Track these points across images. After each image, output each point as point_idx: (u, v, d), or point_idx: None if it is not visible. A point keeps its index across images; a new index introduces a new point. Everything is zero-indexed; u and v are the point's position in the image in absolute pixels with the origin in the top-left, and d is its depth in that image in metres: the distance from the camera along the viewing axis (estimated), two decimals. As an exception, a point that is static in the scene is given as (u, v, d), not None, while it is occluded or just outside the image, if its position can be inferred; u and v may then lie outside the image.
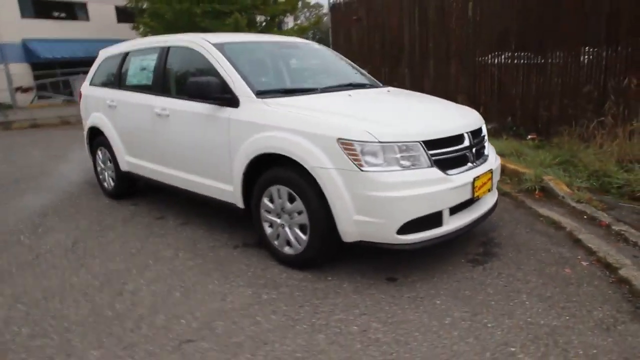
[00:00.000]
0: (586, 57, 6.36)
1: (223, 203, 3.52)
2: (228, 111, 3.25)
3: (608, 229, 3.42)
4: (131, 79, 4.41)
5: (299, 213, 2.91)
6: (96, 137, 4.97)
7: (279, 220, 3.08)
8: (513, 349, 2.15)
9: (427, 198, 2.66)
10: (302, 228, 2.93)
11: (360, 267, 3.03)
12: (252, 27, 14.74)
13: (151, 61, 4.13)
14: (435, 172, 2.72)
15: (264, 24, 15.67)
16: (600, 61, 6.15)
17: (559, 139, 5.82)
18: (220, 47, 3.56)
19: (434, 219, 2.73)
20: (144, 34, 18.91)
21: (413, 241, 2.69)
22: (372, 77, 4.24)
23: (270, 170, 3.04)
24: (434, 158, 2.74)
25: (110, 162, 4.79)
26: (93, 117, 4.89)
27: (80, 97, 5.28)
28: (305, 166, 2.76)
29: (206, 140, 3.45)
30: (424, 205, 2.66)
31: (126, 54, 4.55)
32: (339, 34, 11.66)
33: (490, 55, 7.85)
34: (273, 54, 4.00)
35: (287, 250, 3.08)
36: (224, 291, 2.83)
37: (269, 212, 3.13)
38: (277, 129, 2.92)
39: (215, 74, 3.39)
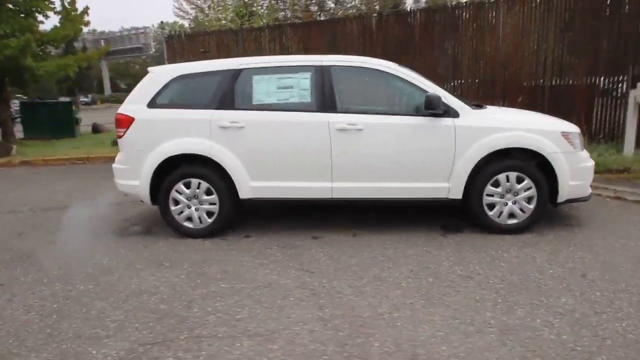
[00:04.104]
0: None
1: (428, 201, 4.12)
2: (449, 120, 3.96)
3: (578, 184, 5.84)
4: (264, 98, 4.13)
5: (526, 190, 4.02)
6: (174, 169, 4.20)
7: (502, 200, 4.05)
8: (679, 232, 4.07)
9: (593, 166, 4.28)
10: (529, 201, 4.04)
11: (537, 226, 4.31)
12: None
13: (302, 79, 4.12)
14: (586, 152, 4.38)
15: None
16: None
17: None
18: (402, 67, 4.16)
19: (590, 182, 4.38)
20: None
21: (590, 194, 4.25)
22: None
23: (497, 162, 3.99)
24: (579, 144, 4.41)
25: (210, 194, 4.19)
26: (180, 144, 4.14)
27: (126, 123, 4.22)
28: (543, 153, 3.94)
29: (423, 147, 3.99)
30: (593, 171, 4.27)
31: (237, 72, 4.17)
32: (180, 65, 11.31)
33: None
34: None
35: (509, 221, 4.08)
36: (522, 255, 3.64)
37: (491, 195, 4.05)
38: (512, 130, 3.96)
39: (416, 90, 4.02)
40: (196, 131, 4.15)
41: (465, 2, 9.05)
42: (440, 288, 3.11)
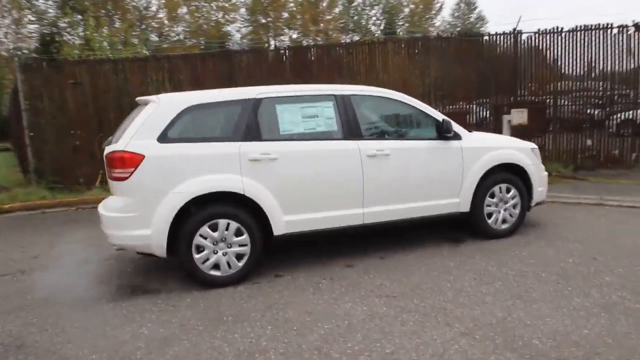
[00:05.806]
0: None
1: (442, 216, 4.52)
2: (457, 142, 4.47)
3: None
4: (291, 127, 3.96)
5: (513, 197, 4.74)
6: (189, 214, 3.69)
7: (497, 208, 4.69)
8: (603, 219, 5.30)
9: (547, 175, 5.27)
10: (514, 207, 4.76)
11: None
12: None
13: (325, 108, 4.11)
14: (542, 165, 5.37)
15: None
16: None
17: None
18: (410, 97, 4.52)
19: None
20: None
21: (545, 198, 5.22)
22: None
23: (493, 175, 4.61)
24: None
25: (240, 235, 3.81)
26: (207, 181, 3.68)
27: (133, 162, 3.54)
28: (523, 165, 4.73)
29: (439, 167, 4.39)
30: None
31: (258, 102, 3.93)
32: (41, 100, 9.55)
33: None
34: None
35: (502, 226, 4.74)
36: (534, 251, 4.28)
37: (489, 205, 4.66)
38: (502, 148, 4.69)
39: (427, 117, 4.45)
40: (223, 166, 3.75)
41: (355, 41, 10.00)
42: (515, 287, 3.49)
